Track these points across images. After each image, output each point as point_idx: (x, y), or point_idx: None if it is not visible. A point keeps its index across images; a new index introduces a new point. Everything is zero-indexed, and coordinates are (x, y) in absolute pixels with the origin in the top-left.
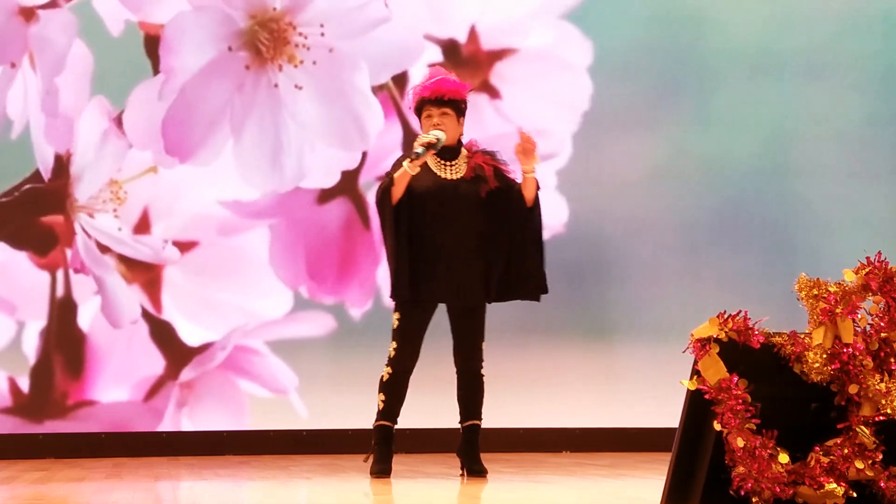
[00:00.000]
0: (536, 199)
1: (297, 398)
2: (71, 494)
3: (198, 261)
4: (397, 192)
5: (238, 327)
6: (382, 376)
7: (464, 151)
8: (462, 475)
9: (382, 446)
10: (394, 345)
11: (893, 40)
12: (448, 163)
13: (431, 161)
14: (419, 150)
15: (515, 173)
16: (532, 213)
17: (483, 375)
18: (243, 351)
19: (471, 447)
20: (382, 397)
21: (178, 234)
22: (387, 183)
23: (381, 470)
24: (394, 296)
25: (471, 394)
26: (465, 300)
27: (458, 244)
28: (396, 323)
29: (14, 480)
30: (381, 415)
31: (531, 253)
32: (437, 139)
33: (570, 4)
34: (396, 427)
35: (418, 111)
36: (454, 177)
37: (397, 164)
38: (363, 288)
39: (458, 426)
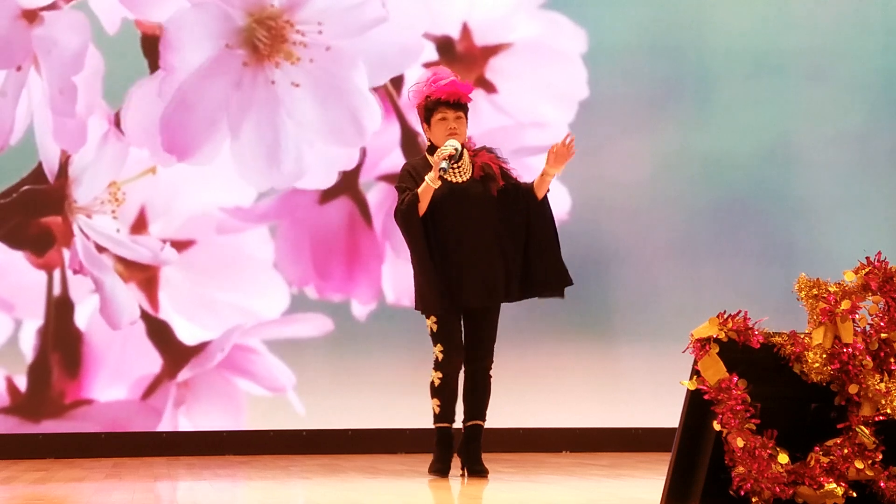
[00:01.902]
0: (546, 195)
1: (295, 397)
2: (70, 494)
3: (195, 260)
4: (423, 206)
5: (235, 327)
6: (433, 381)
7: (467, 153)
8: (462, 475)
9: (444, 448)
10: (439, 348)
11: (893, 40)
12: (455, 166)
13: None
14: (444, 164)
15: (517, 170)
16: (545, 207)
17: (491, 376)
18: (241, 350)
19: (473, 447)
20: (437, 402)
21: (175, 233)
22: (411, 199)
23: (441, 469)
24: (427, 310)
25: (479, 393)
26: (494, 300)
27: (479, 245)
28: (435, 328)
29: (13, 480)
30: (439, 418)
31: (548, 247)
32: (456, 150)
33: None
34: (395, 427)
35: (429, 111)
36: (463, 178)
37: (406, 175)
38: (371, 285)
39: (461, 425)
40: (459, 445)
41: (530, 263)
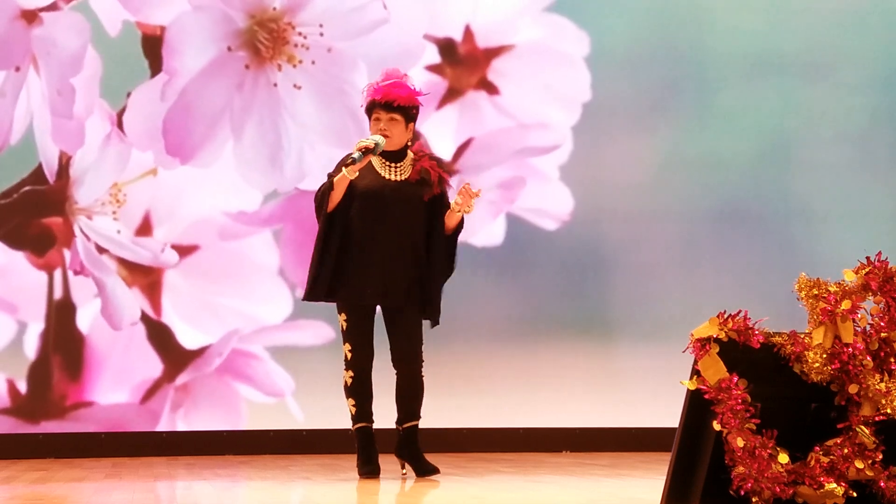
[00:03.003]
0: (456, 232)
1: (294, 402)
2: (70, 494)
3: (198, 265)
4: (336, 195)
5: (235, 331)
6: (345, 381)
7: (410, 155)
8: (404, 475)
9: (368, 448)
10: (347, 346)
11: (893, 40)
12: (393, 164)
13: (376, 161)
14: (356, 154)
15: (453, 188)
16: (449, 241)
17: (423, 377)
18: (240, 355)
19: (413, 448)
20: (352, 402)
21: (179, 238)
22: (326, 186)
23: (371, 471)
24: (308, 297)
25: (410, 396)
26: (391, 302)
27: (393, 244)
28: (345, 325)
29: (14, 480)
30: (357, 418)
31: (437, 277)
32: (376, 144)
33: None
34: (393, 428)
35: (368, 112)
36: (398, 178)
37: (338, 165)
38: None
39: (396, 426)
40: (398, 448)
41: (423, 280)
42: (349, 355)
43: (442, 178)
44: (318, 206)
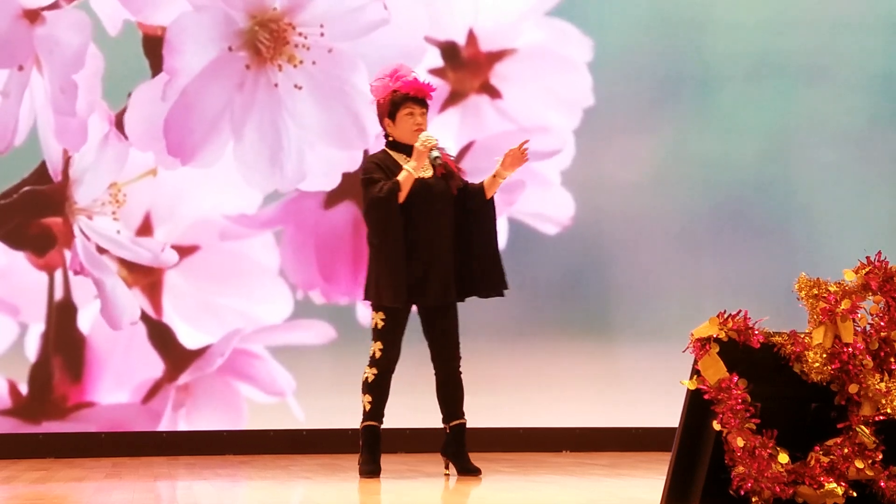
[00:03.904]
0: (493, 197)
1: (295, 402)
2: (71, 494)
3: (199, 265)
4: (404, 195)
5: (236, 331)
6: (367, 378)
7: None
8: (447, 474)
9: (373, 447)
10: (378, 345)
11: (893, 41)
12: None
13: (400, 159)
14: (436, 152)
15: (463, 171)
16: (491, 208)
17: (461, 373)
18: (241, 354)
19: (459, 447)
20: (369, 398)
21: (179, 238)
22: (391, 187)
23: (372, 470)
24: (385, 301)
25: (454, 393)
26: (450, 298)
27: (441, 242)
28: (381, 324)
29: (14, 480)
30: (369, 416)
31: (489, 248)
32: (437, 140)
33: (562, 0)
34: (396, 427)
35: (396, 106)
36: (426, 175)
37: (375, 167)
38: None
39: (442, 426)
40: (444, 446)
41: (474, 262)
42: (378, 353)
43: (458, 170)
44: (383, 209)
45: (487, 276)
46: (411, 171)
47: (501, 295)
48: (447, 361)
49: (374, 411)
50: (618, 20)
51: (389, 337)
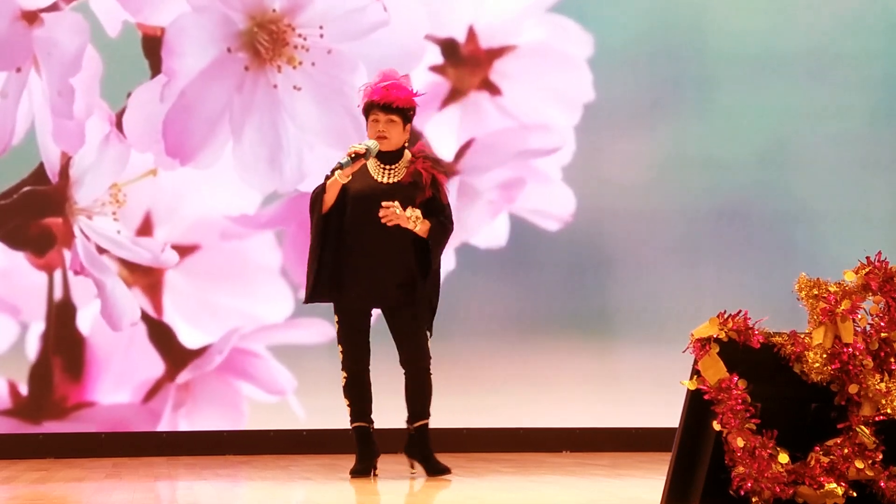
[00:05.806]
0: (433, 239)
1: (296, 401)
2: (71, 494)
3: (199, 265)
4: (328, 199)
5: (235, 329)
6: (342, 381)
7: (407, 155)
8: (413, 475)
9: (363, 447)
10: (339, 347)
11: (893, 41)
12: (387, 166)
13: (371, 164)
14: (344, 160)
15: (449, 191)
16: (425, 243)
17: (430, 374)
18: (242, 353)
19: (422, 447)
20: (347, 402)
21: (180, 238)
22: (319, 190)
23: (359, 471)
24: (308, 300)
25: (418, 394)
26: (380, 303)
27: (382, 247)
28: (338, 326)
29: (14, 480)
30: (353, 417)
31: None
32: (367, 149)
33: None
34: (396, 427)
35: (365, 113)
36: (391, 181)
37: (335, 170)
38: None
39: (407, 426)
40: (407, 447)
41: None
42: (342, 356)
43: (436, 181)
44: (311, 209)
45: (416, 303)
46: (337, 177)
47: (416, 316)
48: (409, 362)
49: (357, 412)
50: (618, 16)
51: (349, 339)
